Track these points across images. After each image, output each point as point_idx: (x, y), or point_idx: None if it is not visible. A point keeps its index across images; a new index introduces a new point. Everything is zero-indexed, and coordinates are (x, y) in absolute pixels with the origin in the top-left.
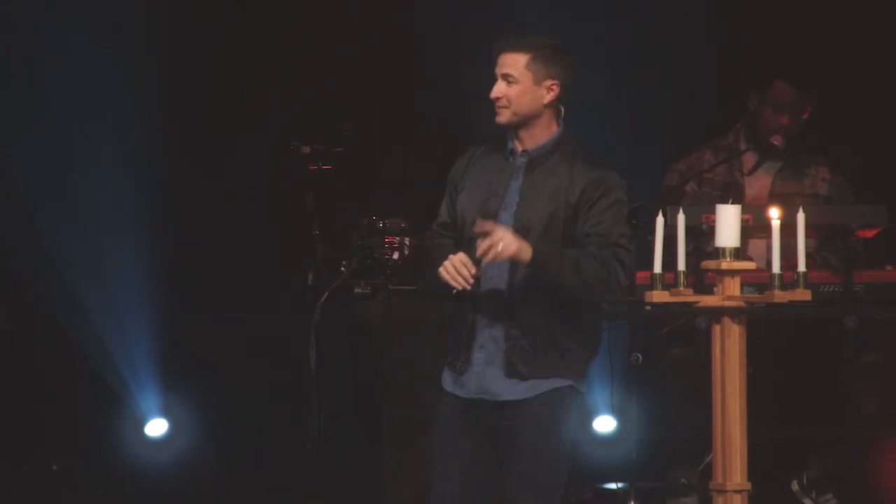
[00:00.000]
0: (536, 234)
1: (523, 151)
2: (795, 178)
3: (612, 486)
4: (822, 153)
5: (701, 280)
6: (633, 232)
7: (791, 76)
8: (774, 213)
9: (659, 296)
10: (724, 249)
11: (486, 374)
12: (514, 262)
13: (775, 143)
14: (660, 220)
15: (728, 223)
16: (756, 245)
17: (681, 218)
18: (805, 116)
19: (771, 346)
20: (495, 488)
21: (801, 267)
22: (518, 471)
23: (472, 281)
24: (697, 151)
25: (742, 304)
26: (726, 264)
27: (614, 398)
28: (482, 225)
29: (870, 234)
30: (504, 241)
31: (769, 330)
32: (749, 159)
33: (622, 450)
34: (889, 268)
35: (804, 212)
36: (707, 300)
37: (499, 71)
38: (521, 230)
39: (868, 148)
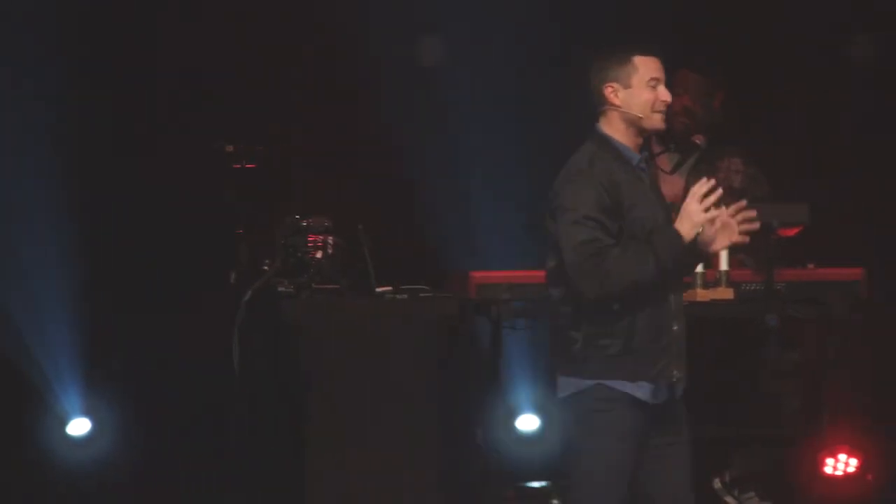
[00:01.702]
0: None
1: (644, 158)
2: (707, 172)
3: (535, 484)
4: (737, 144)
5: None
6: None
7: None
8: None
9: None
10: None
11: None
12: None
13: (698, 141)
14: None
15: None
16: None
17: None
18: (716, 104)
19: (693, 344)
20: None
21: (724, 265)
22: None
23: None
24: None
25: None
26: None
27: (537, 396)
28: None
29: (791, 232)
30: None
31: (691, 328)
32: (664, 161)
33: (545, 448)
34: (811, 266)
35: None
36: None
37: (662, 76)
38: None
39: (792, 147)
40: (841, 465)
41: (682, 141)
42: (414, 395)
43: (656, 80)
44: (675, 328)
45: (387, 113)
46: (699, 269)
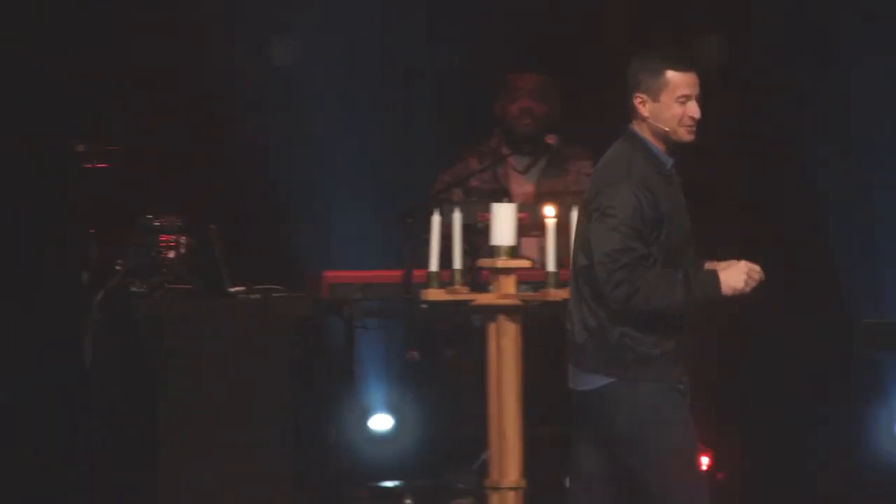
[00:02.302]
0: None
1: (675, 163)
2: (558, 175)
3: (388, 484)
4: (587, 146)
5: (477, 278)
6: (411, 231)
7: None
8: (550, 212)
9: (435, 294)
10: (499, 248)
11: None
12: None
13: (550, 142)
14: (436, 218)
15: (503, 222)
16: (529, 243)
17: (457, 216)
18: (555, 105)
19: (547, 343)
20: None
21: None
22: None
23: None
24: (462, 160)
25: (517, 302)
26: (502, 262)
27: (391, 396)
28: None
29: None
30: None
31: (544, 328)
32: (515, 163)
33: (398, 448)
34: None
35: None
36: (483, 298)
37: (693, 92)
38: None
39: None
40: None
41: (534, 142)
42: (267, 395)
43: (686, 96)
44: (686, 333)
45: (240, 113)
46: (551, 268)
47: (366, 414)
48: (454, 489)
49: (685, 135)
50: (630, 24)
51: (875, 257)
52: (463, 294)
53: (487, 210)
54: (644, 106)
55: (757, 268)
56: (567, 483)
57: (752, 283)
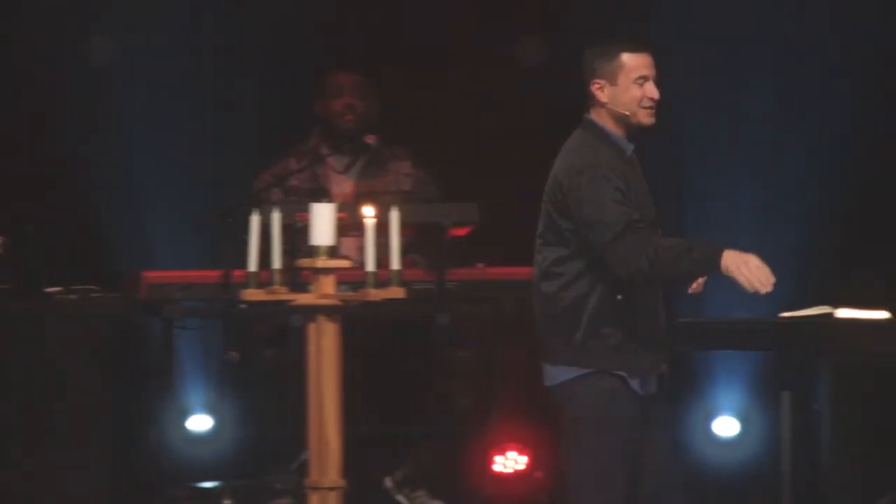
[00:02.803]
0: None
1: (634, 149)
2: (378, 175)
3: (208, 484)
4: (406, 146)
5: (296, 278)
6: (230, 230)
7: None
8: (369, 212)
9: (254, 294)
10: (318, 248)
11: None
12: None
13: (370, 141)
14: (255, 218)
15: (323, 221)
16: (348, 243)
17: (276, 216)
18: (375, 104)
19: (367, 343)
20: None
21: (395, 265)
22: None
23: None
24: (282, 160)
25: (337, 302)
26: (321, 262)
27: (210, 397)
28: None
29: (462, 232)
30: None
31: (365, 328)
32: (334, 162)
33: (217, 448)
34: (480, 265)
35: (398, 210)
36: (302, 298)
37: (650, 73)
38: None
39: (462, 147)
40: (511, 462)
41: (353, 142)
42: (85, 395)
43: (644, 77)
44: (662, 322)
45: (55, 112)
46: (371, 268)
47: (184, 414)
48: (274, 489)
49: (645, 117)
50: (447, 24)
51: None
52: (282, 294)
53: (307, 210)
54: (602, 91)
55: (766, 271)
56: (387, 483)
57: (749, 279)
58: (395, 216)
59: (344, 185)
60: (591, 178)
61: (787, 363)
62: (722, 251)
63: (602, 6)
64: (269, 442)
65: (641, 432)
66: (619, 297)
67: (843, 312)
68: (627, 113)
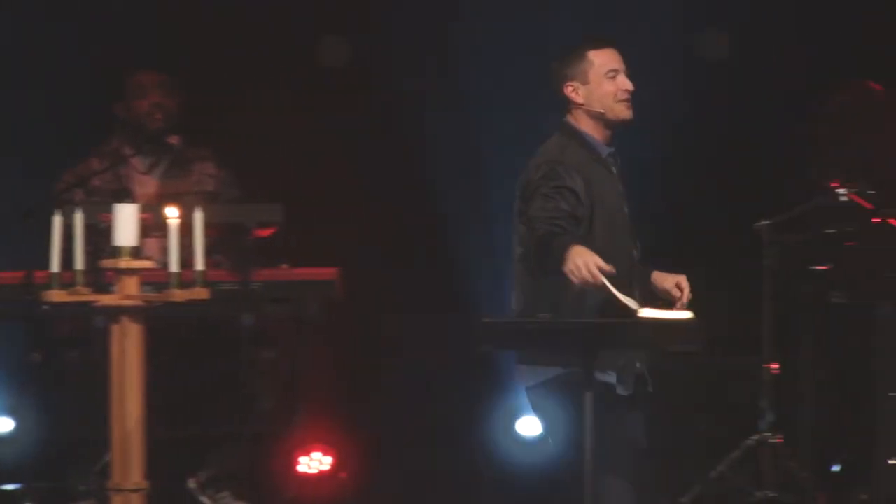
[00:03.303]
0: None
1: (613, 153)
2: (181, 176)
3: (8, 487)
4: (209, 147)
5: (100, 279)
6: (33, 231)
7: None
8: (172, 212)
9: (56, 295)
10: (121, 248)
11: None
12: None
13: (173, 142)
14: (58, 218)
15: (126, 222)
16: (151, 244)
17: (78, 217)
18: (178, 101)
19: (171, 344)
20: None
21: (199, 266)
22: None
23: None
24: (84, 160)
25: (141, 303)
26: (124, 263)
27: (11, 398)
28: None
29: (266, 232)
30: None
31: (169, 328)
32: (137, 163)
33: (18, 450)
34: (285, 266)
35: (202, 211)
36: (105, 299)
37: (620, 66)
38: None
39: (265, 148)
40: (315, 463)
41: (156, 142)
42: None
43: (614, 70)
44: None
45: None
46: (174, 269)
47: None
48: (76, 491)
49: (623, 111)
50: (248, 25)
51: (494, 257)
52: (85, 295)
53: (110, 210)
54: (577, 93)
55: (590, 268)
56: (191, 484)
57: (577, 275)
58: (199, 217)
59: (147, 185)
60: (545, 172)
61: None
62: (571, 247)
63: (404, 8)
64: (72, 444)
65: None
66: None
67: (647, 312)
68: (603, 110)
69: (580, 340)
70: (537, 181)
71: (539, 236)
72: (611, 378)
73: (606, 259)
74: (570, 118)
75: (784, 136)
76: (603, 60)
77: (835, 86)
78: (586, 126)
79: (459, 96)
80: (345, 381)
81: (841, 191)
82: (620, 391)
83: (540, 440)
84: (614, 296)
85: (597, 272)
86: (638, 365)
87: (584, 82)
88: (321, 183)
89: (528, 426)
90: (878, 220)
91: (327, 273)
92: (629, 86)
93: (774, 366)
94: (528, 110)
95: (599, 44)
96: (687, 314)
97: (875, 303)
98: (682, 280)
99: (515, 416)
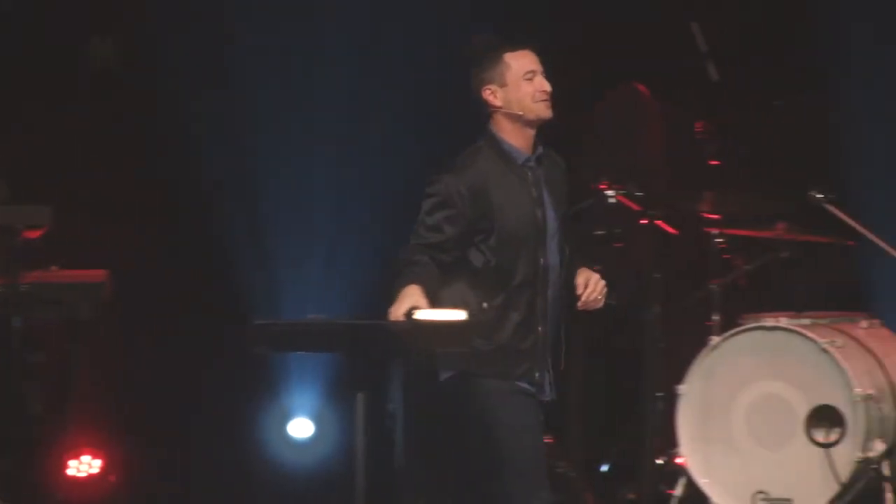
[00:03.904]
0: (562, 235)
1: (537, 156)
2: None
3: None
4: None
5: None
6: None
7: None
8: None
9: None
10: None
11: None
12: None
13: None
14: None
15: None
16: None
17: None
18: None
19: None
20: None
21: None
22: None
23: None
24: None
25: None
26: None
27: None
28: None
29: (34, 234)
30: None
31: None
32: None
33: None
34: (54, 268)
35: None
36: None
37: (537, 67)
38: (559, 233)
39: (32, 149)
40: (84, 466)
41: None
42: None
43: (531, 72)
44: (540, 330)
45: None
46: None
47: None
48: None
49: (542, 110)
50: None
51: (269, 259)
52: None
53: None
54: (495, 96)
55: (399, 311)
56: None
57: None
58: None
59: None
60: (430, 191)
61: (362, 364)
62: (405, 288)
63: (174, 10)
64: None
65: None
66: (484, 305)
67: (422, 314)
68: (521, 111)
69: (347, 341)
70: (427, 192)
71: (402, 260)
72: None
73: (506, 266)
74: (491, 124)
75: (552, 139)
76: (519, 62)
77: (604, 89)
78: (506, 131)
79: (233, 100)
80: (115, 383)
81: (609, 193)
82: (543, 396)
83: (312, 442)
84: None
85: (396, 314)
86: (537, 375)
87: (502, 85)
88: (90, 185)
89: (300, 428)
90: (646, 221)
91: (97, 275)
92: (547, 86)
93: None
94: (308, 119)
95: (515, 45)
96: (462, 314)
97: (643, 304)
98: (590, 277)
99: (287, 417)
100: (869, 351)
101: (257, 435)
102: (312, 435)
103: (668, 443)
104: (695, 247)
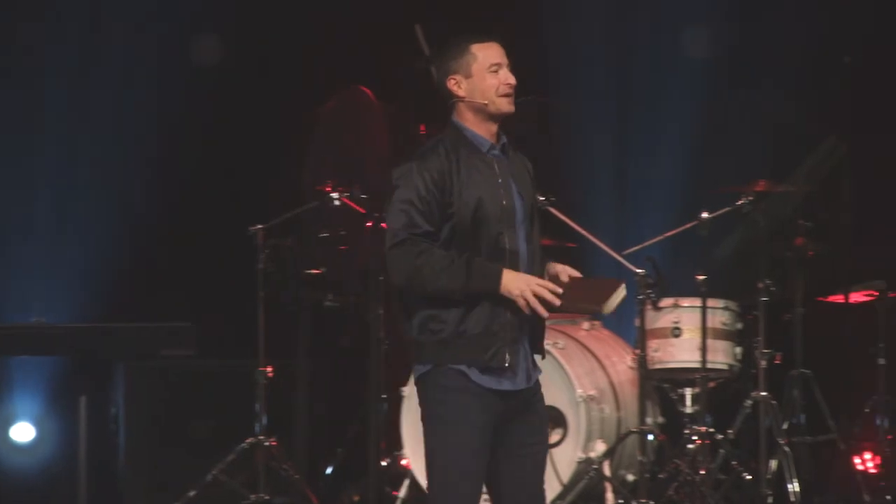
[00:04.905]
0: (532, 225)
1: (502, 145)
2: None
3: None
4: None
5: None
6: None
7: None
8: None
9: None
10: None
11: (530, 363)
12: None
13: None
14: None
15: None
16: None
17: None
18: None
19: None
20: None
21: None
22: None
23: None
24: None
25: None
26: None
27: None
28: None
29: None
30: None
31: None
32: None
33: None
34: None
35: None
36: None
37: (503, 60)
38: (528, 220)
39: None
40: None
41: None
42: None
43: (497, 65)
44: (508, 315)
45: None
46: None
47: None
48: None
49: (504, 105)
50: None
51: (12, 267)
52: None
53: None
54: (459, 86)
55: (542, 291)
56: None
57: (527, 299)
58: None
59: None
60: (398, 182)
61: (84, 368)
62: (502, 270)
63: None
64: None
65: (512, 437)
66: None
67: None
68: (486, 102)
69: (68, 344)
70: (394, 183)
71: (437, 260)
72: (485, 377)
73: (470, 248)
74: (455, 115)
75: (276, 141)
76: (486, 54)
77: (328, 90)
78: (469, 121)
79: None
80: None
81: (334, 195)
82: (496, 386)
83: (34, 445)
84: None
85: (552, 298)
86: (508, 357)
87: (467, 76)
88: None
89: (22, 432)
90: (371, 223)
91: None
92: (512, 80)
93: (268, 369)
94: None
95: (483, 37)
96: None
97: (367, 306)
98: (560, 271)
99: (10, 422)
100: (590, 352)
101: None
102: (35, 438)
103: (393, 445)
104: None
